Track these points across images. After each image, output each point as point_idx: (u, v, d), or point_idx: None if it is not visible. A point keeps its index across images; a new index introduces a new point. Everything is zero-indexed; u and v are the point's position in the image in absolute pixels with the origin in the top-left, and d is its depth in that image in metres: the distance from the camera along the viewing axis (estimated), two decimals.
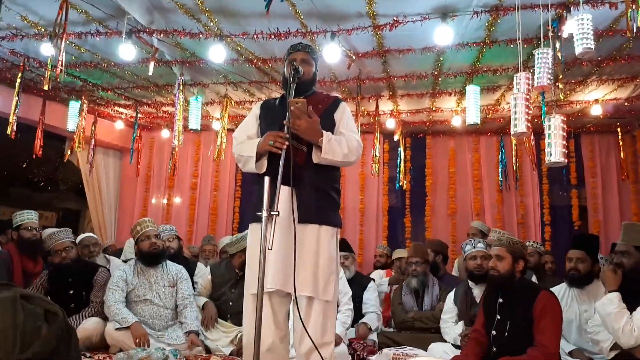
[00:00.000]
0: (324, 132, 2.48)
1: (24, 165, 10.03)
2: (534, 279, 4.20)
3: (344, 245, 4.55)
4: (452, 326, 3.85)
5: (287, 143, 2.32)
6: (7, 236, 5.01)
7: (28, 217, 4.38)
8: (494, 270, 3.02)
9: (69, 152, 6.40)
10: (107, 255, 5.06)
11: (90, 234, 5.07)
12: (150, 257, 3.95)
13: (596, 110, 5.50)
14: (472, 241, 4.13)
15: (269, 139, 2.43)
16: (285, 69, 2.65)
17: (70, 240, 4.04)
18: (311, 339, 2.40)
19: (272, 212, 2.20)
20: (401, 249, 5.77)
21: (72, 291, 3.92)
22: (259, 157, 2.52)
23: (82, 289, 3.96)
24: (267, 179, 2.26)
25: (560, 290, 3.60)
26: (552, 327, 2.82)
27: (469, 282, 3.98)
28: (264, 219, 2.20)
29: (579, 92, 5.26)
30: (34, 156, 6.01)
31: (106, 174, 7.20)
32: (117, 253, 5.56)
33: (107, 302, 3.74)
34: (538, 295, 2.92)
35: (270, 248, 2.15)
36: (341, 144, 2.51)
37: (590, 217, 6.37)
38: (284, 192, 2.42)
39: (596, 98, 5.44)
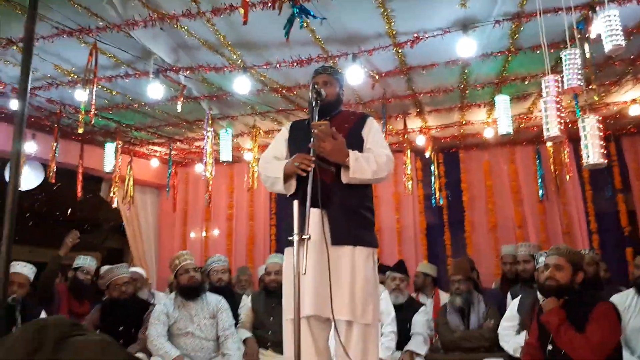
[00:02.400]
0: (350, 151, 2.46)
1: (67, 210, 10.36)
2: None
3: (400, 268, 4.48)
4: (512, 335, 3.69)
5: (313, 165, 2.32)
6: (63, 276, 5.24)
7: (85, 261, 4.74)
8: (551, 280, 2.84)
9: (107, 193, 6.57)
10: (151, 291, 5.14)
11: (136, 269, 5.19)
12: (189, 291, 3.97)
13: (635, 110, 5.28)
14: (542, 253, 3.94)
15: (295, 161, 2.44)
16: (310, 94, 2.67)
17: (128, 276, 4.15)
18: None
19: (303, 236, 2.18)
20: (424, 264, 5.63)
21: (122, 327, 3.99)
22: (286, 179, 2.52)
23: (133, 325, 4.03)
24: (295, 202, 2.25)
25: (627, 298, 3.41)
26: (601, 325, 2.64)
27: (539, 293, 3.81)
28: (295, 243, 2.17)
29: (614, 92, 5.07)
30: (77, 199, 6.22)
31: (144, 211, 7.36)
32: None
33: (150, 336, 3.77)
34: (596, 305, 2.75)
35: (304, 273, 2.12)
36: (369, 161, 2.48)
37: None
38: (315, 215, 2.40)
39: (634, 98, 5.23)
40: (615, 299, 3.45)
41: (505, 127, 4.62)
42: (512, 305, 3.83)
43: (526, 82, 4.70)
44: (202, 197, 7.02)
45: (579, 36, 3.34)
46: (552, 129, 2.67)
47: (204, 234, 7.44)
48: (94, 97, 4.16)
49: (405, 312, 4.20)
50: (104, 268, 4.32)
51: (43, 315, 3.81)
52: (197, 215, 7.50)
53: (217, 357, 3.88)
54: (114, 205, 6.46)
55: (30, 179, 5.99)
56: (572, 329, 2.67)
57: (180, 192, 7.57)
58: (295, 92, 4.90)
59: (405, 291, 4.39)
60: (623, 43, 2.65)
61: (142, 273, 5.06)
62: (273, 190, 2.63)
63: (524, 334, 3.59)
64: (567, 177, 5.23)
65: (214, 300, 4.05)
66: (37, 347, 1.01)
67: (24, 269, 3.78)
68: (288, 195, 2.58)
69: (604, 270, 4.84)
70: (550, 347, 2.83)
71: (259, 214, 7.27)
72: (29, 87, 2.78)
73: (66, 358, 0.97)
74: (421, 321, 4.28)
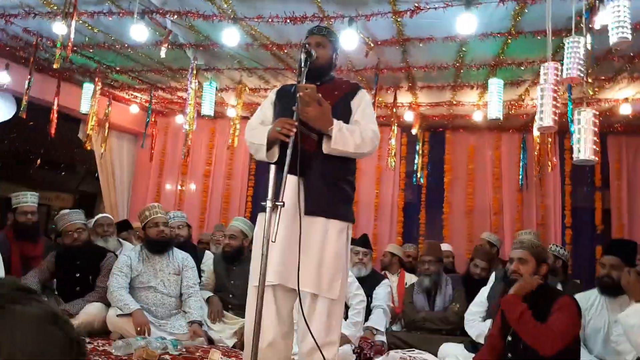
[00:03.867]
0: (335, 120, 2.33)
1: (42, 148, 10.06)
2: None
3: (364, 242, 4.42)
4: (478, 322, 3.69)
5: (294, 130, 2.19)
6: (8, 218, 4.90)
7: (24, 199, 4.22)
8: (515, 273, 2.85)
9: (84, 134, 6.33)
10: (120, 239, 5.01)
11: (106, 215, 5.05)
12: (157, 245, 3.87)
13: (625, 110, 5.24)
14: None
15: (277, 126, 2.31)
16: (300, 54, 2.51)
17: (82, 223, 4.00)
18: (314, 337, 2.28)
19: (277, 203, 2.08)
20: (393, 245, 5.64)
21: (78, 274, 3.88)
22: (270, 146, 2.39)
23: (89, 273, 3.91)
24: (272, 167, 2.15)
25: (591, 297, 3.42)
26: (563, 316, 2.64)
27: None
28: (267, 209, 2.08)
29: (608, 89, 5.00)
30: (49, 138, 5.99)
31: (120, 157, 7.15)
32: None
33: (110, 287, 3.67)
34: (558, 299, 2.75)
35: (273, 240, 2.04)
36: (354, 133, 2.36)
37: (613, 220, 6.11)
38: (292, 182, 2.30)
39: (626, 97, 5.18)
40: (579, 297, 3.46)
41: (496, 111, 4.54)
42: (483, 291, 3.82)
43: (522, 68, 4.59)
44: (180, 150, 6.84)
45: (583, 25, 3.22)
46: (546, 118, 2.57)
47: (178, 187, 7.29)
48: (72, 31, 3.92)
49: (367, 286, 4.17)
50: (60, 212, 4.12)
51: None
52: (173, 168, 7.33)
53: (178, 314, 3.81)
54: (88, 147, 6.25)
55: (1, 110, 5.73)
56: (533, 318, 2.67)
57: (159, 142, 7.36)
58: (285, 51, 4.71)
59: (368, 264, 4.36)
60: (630, 36, 2.55)
61: (112, 219, 4.92)
62: (258, 158, 2.49)
63: (489, 321, 3.59)
64: (549, 168, 5.19)
65: (180, 257, 3.97)
66: None
67: None
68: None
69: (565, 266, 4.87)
70: (509, 338, 2.84)
71: (237, 173, 7.14)
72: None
73: None
74: (382, 293, 4.25)
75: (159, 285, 3.80)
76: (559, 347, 2.59)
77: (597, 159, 2.56)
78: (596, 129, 2.51)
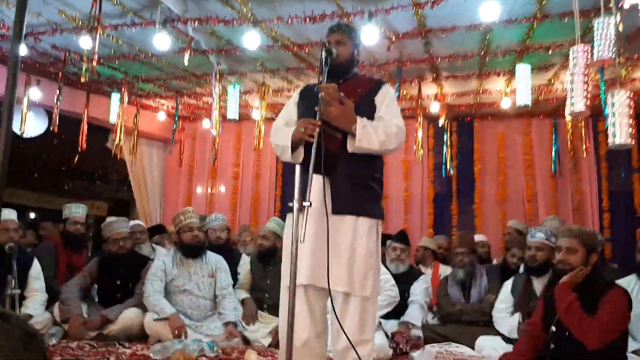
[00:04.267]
0: (359, 118, 2.31)
1: (76, 158, 10.32)
2: None
3: (402, 238, 4.39)
4: (507, 317, 3.64)
5: (318, 129, 2.19)
6: (58, 228, 5.12)
7: (75, 210, 4.46)
8: (564, 263, 2.69)
9: (113, 144, 6.47)
10: (153, 245, 5.11)
11: (138, 222, 5.15)
12: (191, 249, 3.93)
13: None
14: (532, 230, 3.85)
15: (300, 126, 2.31)
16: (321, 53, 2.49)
17: (127, 231, 4.09)
18: (347, 336, 2.27)
19: (304, 203, 2.08)
20: (425, 238, 5.59)
21: (119, 281, 3.97)
22: (295, 147, 2.39)
23: (130, 280, 4.00)
24: (298, 167, 2.14)
25: (630, 283, 3.31)
26: (611, 310, 2.53)
27: (531, 276, 3.73)
28: (295, 210, 2.08)
29: None
30: (79, 149, 6.15)
31: (150, 164, 7.29)
32: None
33: (146, 292, 3.75)
34: (609, 290, 2.62)
35: (302, 241, 2.03)
36: (377, 130, 2.33)
37: None
38: (317, 182, 2.29)
39: None
40: (618, 283, 3.35)
41: (524, 97, 4.43)
42: (505, 287, 3.76)
43: (550, 52, 4.47)
44: (208, 154, 6.92)
45: (612, 4, 3.11)
46: (577, 103, 2.48)
47: (209, 190, 7.39)
48: (97, 45, 4.01)
49: (405, 281, 4.14)
50: (107, 220, 4.24)
51: (36, 265, 3.81)
52: (203, 172, 7.43)
53: (213, 316, 3.86)
54: (119, 156, 6.38)
55: (34, 125, 5.91)
56: (582, 310, 2.58)
57: (187, 147, 7.48)
58: (306, 50, 4.71)
59: (406, 261, 4.31)
60: None
61: (144, 226, 5.01)
62: (284, 159, 2.49)
63: (517, 315, 3.53)
64: (584, 153, 5.03)
65: (214, 260, 4.02)
66: None
67: (12, 214, 3.74)
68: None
69: (601, 250, 4.76)
70: (554, 328, 2.75)
71: (264, 174, 7.19)
72: (24, 32, 2.63)
73: None
74: (419, 289, 4.21)
75: (194, 289, 3.86)
76: (605, 341, 2.50)
77: (633, 141, 2.45)
78: (631, 111, 2.41)
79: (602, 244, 4.36)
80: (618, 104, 2.40)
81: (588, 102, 2.54)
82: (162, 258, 3.99)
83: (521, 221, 5.74)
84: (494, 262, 5.11)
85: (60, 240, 4.41)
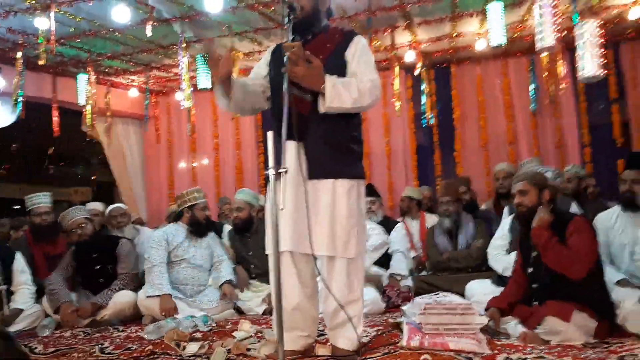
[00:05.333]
0: (328, 77, 2.22)
1: (52, 145, 10.14)
2: (574, 207, 3.90)
3: (369, 191, 4.36)
4: (503, 255, 3.66)
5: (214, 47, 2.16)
6: (26, 220, 4.92)
7: (37, 200, 4.24)
8: (520, 206, 2.89)
9: (85, 126, 6.30)
10: (135, 226, 5.06)
11: (119, 205, 5.06)
12: (202, 227, 3.96)
13: (635, 14, 4.93)
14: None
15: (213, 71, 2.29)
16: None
17: (84, 217, 4.01)
18: (335, 298, 2.28)
19: (279, 170, 2.03)
20: (409, 187, 5.60)
21: (98, 266, 3.93)
22: (225, 91, 2.33)
23: (107, 262, 3.96)
24: (270, 133, 2.09)
25: (613, 214, 3.34)
26: (582, 238, 2.66)
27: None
28: (271, 177, 2.03)
29: None
30: (53, 135, 6.00)
31: (128, 143, 7.12)
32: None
33: (151, 260, 3.73)
34: (570, 221, 2.75)
35: (281, 208, 1.99)
36: (350, 87, 2.24)
37: (633, 132, 5.91)
38: (292, 148, 2.25)
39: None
40: (601, 216, 3.39)
41: (499, 37, 4.35)
42: (504, 224, 3.76)
43: None
44: (185, 127, 6.79)
45: None
46: (547, 37, 2.43)
47: (191, 164, 7.29)
48: (52, 23, 3.84)
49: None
50: (62, 214, 4.11)
51: (19, 258, 3.76)
52: (182, 146, 7.30)
53: (206, 290, 3.87)
54: (93, 138, 6.25)
55: (2, 115, 5.72)
56: (559, 244, 2.65)
57: (163, 122, 7.33)
58: (273, 8, 4.56)
59: (378, 212, 4.35)
60: None
61: (125, 209, 4.94)
62: (222, 108, 2.46)
63: (514, 254, 3.56)
64: (562, 86, 4.98)
65: (208, 234, 4.06)
66: None
67: None
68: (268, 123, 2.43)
69: (593, 185, 4.78)
70: (530, 269, 2.83)
71: (245, 142, 7.09)
72: None
73: None
74: (398, 237, 4.28)
75: (192, 259, 3.87)
76: (587, 268, 2.60)
77: (604, 72, 2.41)
78: (602, 40, 2.35)
79: (578, 177, 4.38)
80: (588, 34, 2.34)
81: (559, 35, 2.48)
82: (163, 229, 3.98)
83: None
84: (483, 207, 5.13)
85: (30, 233, 4.29)
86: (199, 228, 3.95)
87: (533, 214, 2.82)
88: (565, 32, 4.05)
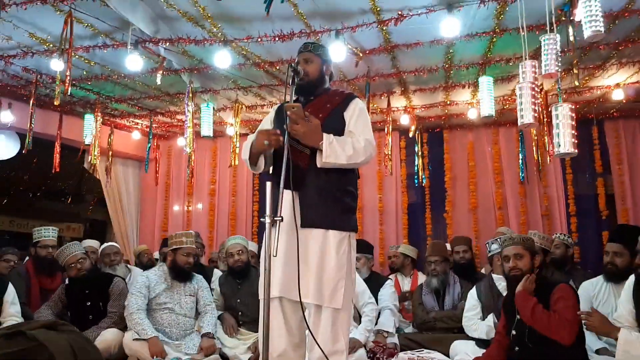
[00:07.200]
0: (325, 135, 2.39)
1: (48, 180, 10.24)
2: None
3: (358, 247, 4.45)
4: (478, 322, 3.75)
5: (281, 138, 2.30)
6: (30, 252, 5.02)
7: (45, 234, 4.40)
8: (515, 269, 2.94)
9: (89, 164, 6.44)
10: (128, 265, 5.11)
11: (112, 243, 5.13)
12: (183, 273, 3.97)
13: (618, 95, 5.29)
14: (498, 239, 4.01)
15: (262, 139, 2.40)
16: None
17: (82, 252, 4.08)
18: (320, 347, 2.34)
19: (275, 218, 2.15)
20: (405, 245, 5.65)
21: (89, 302, 3.97)
22: (254, 159, 2.49)
23: (99, 299, 4.00)
24: (268, 184, 2.22)
25: (597, 284, 3.47)
26: (567, 305, 2.74)
27: (492, 275, 3.88)
28: (267, 225, 2.16)
29: (598, 77, 5.05)
30: (53, 170, 6.12)
31: (126, 183, 7.26)
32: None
33: (129, 308, 3.75)
34: (555, 288, 2.84)
35: (274, 255, 2.10)
36: (345, 145, 2.41)
37: (618, 205, 6.13)
38: (288, 197, 2.38)
39: (617, 82, 5.22)
40: (585, 285, 3.51)
41: (488, 108, 4.59)
42: (471, 295, 3.89)
43: (510, 64, 4.66)
44: (184, 171, 6.95)
45: (564, 18, 3.29)
46: (526, 115, 2.65)
47: (186, 208, 7.40)
48: (69, 67, 4.05)
49: (370, 288, 4.21)
50: (59, 250, 4.19)
51: (10, 289, 3.79)
52: (179, 189, 7.45)
53: (192, 334, 3.89)
54: (97, 176, 6.37)
55: (6, 148, 5.87)
56: (545, 310, 2.73)
57: (163, 165, 7.50)
58: (278, 67, 4.82)
59: (363, 269, 4.40)
60: (602, 29, 2.61)
61: (118, 247, 5.01)
62: (253, 171, 2.61)
63: (490, 316, 3.64)
64: (548, 160, 5.23)
65: (195, 279, 4.08)
66: None
67: None
68: (265, 174, 2.59)
69: (571, 254, 4.90)
70: (514, 332, 2.91)
71: (241, 190, 7.24)
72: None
73: None
74: (387, 294, 4.29)
75: (176, 307, 3.89)
76: (575, 332, 2.67)
77: (576, 150, 2.63)
78: (573, 123, 2.59)
79: (565, 244, 4.52)
80: (562, 116, 2.56)
81: (536, 115, 2.70)
82: (146, 274, 4.02)
83: (492, 228, 5.90)
84: (483, 270, 5.18)
85: (32, 264, 4.36)
86: (178, 273, 3.96)
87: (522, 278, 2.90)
88: (547, 109, 4.31)
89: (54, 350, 1.53)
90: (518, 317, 2.90)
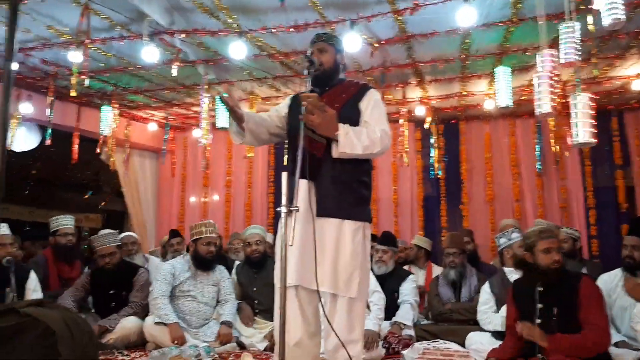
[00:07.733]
0: (341, 125, 2.40)
1: (67, 171, 10.38)
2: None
3: (384, 240, 4.45)
4: (493, 314, 3.74)
5: (235, 97, 2.36)
6: (50, 241, 5.12)
7: (63, 222, 4.49)
8: (558, 263, 2.88)
9: (106, 156, 6.51)
10: (145, 255, 5.18)
11: (130, 233, 5.20)
12: (204, 262, 4.03)
13: (638, 85, 5.18)
14: (506, 233, 3.99)
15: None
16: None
17: (116, 245, 4.15)
18: (337, 335, 2.36)
19: (291, 208, 2.17)
20: (419, 237, 5.65)
21: (112, 291, 4.05)
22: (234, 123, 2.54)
23: (123, 289, 4.08)
24: (284, 173, 2.23)
25: (615, 277, 3.44)
26: (599, 309, 2.76)
27: (504, 269, 3.86)
28: (283, 215, 2.17)
29: (618, 67, 4.96)
30: (72, 161, 6.21)
31: (143, 175, 7.34)
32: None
33: (154, 293, 3.83)
34: (581, 280, 2.83)
35: (291, 244, 2.12)
36: (361, 136, 2.41)
37: (638, 198, 6.03)
38: (303, 186, 2.39)
39: (638, 72, 5.12)
40: (604, 278, 3.48)
41: (505, 99, 4.54)
42: (484, 290, 3.87)
43: (528, 54, 4.58)
44: (200, 163, 7.00)
45: (582, 7, 3.23)
46: (544, 105, 2.61)
47: (202, 199, 7.46)
48: (86, 59, 4.10)
49: (391, 282, 4.21)
50: (99, 233, 4.29)
51: (32, 277, 3.88)
52: (195, 181, 7.50)
53: (210, 322, 3.95)
54: (112, 168, 6.45)
55: (26, 140, 5.97)
56: (566, 336, 2.72)
57: (179, 157, 7.56)
58: (292, 59, 4.82)
59: (389, 262, 4.38)
60: (623, 17, 2.56)
61: (136, 237, 5.08)
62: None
63: (504, 308, 3.63)
64: (567, 152, 5.16)
65: (218, 270, 4.14)
66: None
67: (7, 229, 3.80)
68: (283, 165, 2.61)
69: (579, 247, 4.84)
70: (539, 320, 2.89)
71: (256, 181, 7.26)
72: (17, 48, 2.71)
73: None
74: (408, 289, 4.27)
75: (198, 295, 3.96)
76: (609, 335, 2.75)
77: (595, 140, 2.59)
78: (592, 112, 2.54)
79: (572, 238, 4.49)
80: (580, 105, 2.52)
81: (555, 104, 2.67)
82: (172, 262, 4.08)
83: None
84: (492, 262, 5.16)
85: (52, 252, 4.44)
86: (201, 262, 4.02)
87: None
88: (565, 99, 4.25)
89: (49, 322, 1.60)
90: (540, 305, 2.87)
